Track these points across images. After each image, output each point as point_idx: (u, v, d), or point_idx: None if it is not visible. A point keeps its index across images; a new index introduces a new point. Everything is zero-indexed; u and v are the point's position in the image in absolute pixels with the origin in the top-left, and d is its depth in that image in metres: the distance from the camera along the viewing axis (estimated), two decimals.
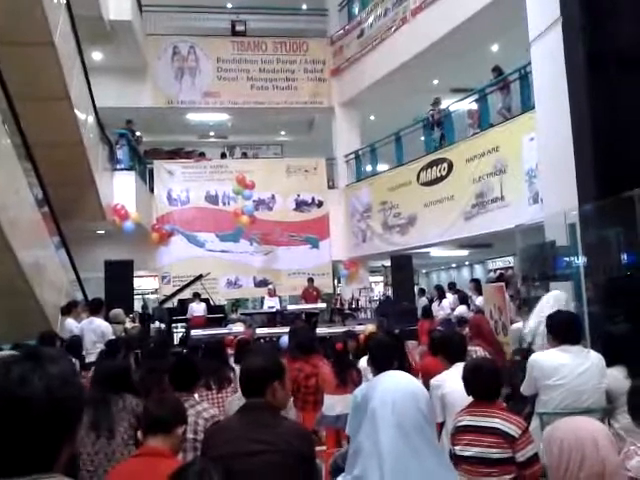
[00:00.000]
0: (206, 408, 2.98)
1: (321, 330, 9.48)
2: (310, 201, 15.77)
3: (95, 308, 7.67)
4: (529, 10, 7.58)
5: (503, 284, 6.77)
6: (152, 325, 11.78)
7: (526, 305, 6.99)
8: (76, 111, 9.22)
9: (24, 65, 7.54)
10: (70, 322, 7.57)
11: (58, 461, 1.14)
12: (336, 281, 16.86)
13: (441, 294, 11.70)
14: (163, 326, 11.38)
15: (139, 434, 2.41)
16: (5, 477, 1.09)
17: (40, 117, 7.99)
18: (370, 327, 9.73)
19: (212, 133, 18.99)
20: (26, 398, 1.09)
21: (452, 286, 12.59)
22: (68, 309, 7.86)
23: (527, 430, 2.81)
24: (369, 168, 15.48)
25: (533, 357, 3.62)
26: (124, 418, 2.99)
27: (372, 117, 16.41)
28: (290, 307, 12.84)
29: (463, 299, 10.60)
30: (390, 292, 14.07)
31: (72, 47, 9.41)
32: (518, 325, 6.15)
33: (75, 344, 6.00)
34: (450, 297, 11.40)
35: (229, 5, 16.65)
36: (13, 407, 1.08)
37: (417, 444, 2.34)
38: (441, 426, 3.44)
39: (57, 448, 1.13)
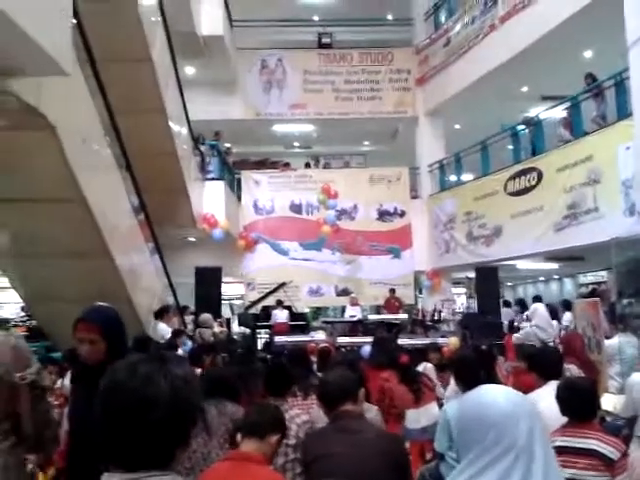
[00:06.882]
0: (298, 414, 3.05)
1: (403, 341, 9.39)
2: (392, 211, 15.70)
3: (158, 313, 8.11)
4: (627, 14, 7.24)
5: (598, 299, 6.48)
6: (235, 330, 12.09)
7: (622, 322, 6.66)
8: (171, 123, 9.66)
9: (123, 79, 7.96)
10: (162, 326, 7.90)
11: (174, 460, 1.18)
12: (417, 292, 16.66)
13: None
14: (248, 331, 11.63)
15: (238, 436, 2.49)
16: (126, 471, 1.14)
17: (138, 129, 8.39)
18: (453, 340, 9.55)
19: (297, 143, 19.30)
20: (153, 397, 1.13)
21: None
22: (160, 313, 8.20)
23: (626, 453, 2.68)
24: (453, 178, 15.24)
25: (632, 377, 3.45)
26: (222, 422, 3.11)
27: (457, 126, 16.15)
28: (371, 317, 12.81)
29: (553, 314, 10.23)
30: (473, 304, 13.77)
31: (167, 62, 9.87)
32: (612, 342, 5.87)
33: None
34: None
35: (316, 18, 16.93)
36: (140, 405, 1.12)
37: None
38: None
39: (174, 446, 1.17)
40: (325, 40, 16.21)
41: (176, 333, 7.83)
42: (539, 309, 8.69)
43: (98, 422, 1.16)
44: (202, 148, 13.14)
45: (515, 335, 8.99)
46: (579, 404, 2.81)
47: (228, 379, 3.52)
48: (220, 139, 14.56)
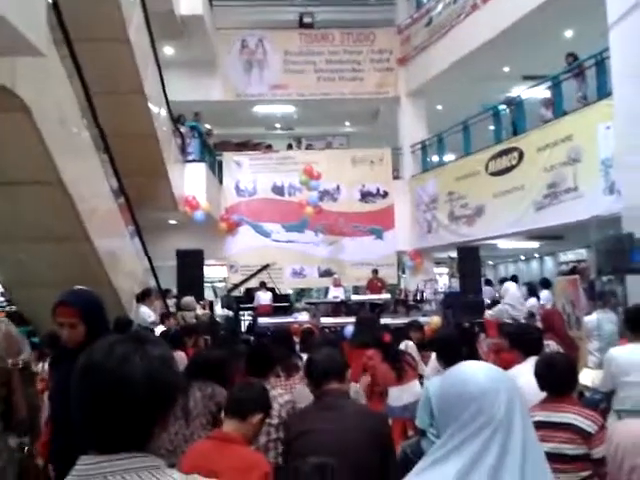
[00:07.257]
0: (281, 394, 3.06)
1: (385, 321, 9.46)
2: (375, 192, 15.71)
3: (140, 296, 8.11)
4: None
5: (577, 277, 6.57)
6: (219, 312, 12.09)
7: (600, 299, 6.77)
8: (150, 104, 9.53)
9: (101, 60, 7.84)
10: (144, 310, 7.87)
11: (150, 442, 1.16)
12: (400, 272, 16.75)
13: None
14: (231, 314, 11.63)
15: (222, 415, 2.51)
16: (101, 452, 1.12)
17: (116, 110, 8.29)
18: (435, 319, 9.66)
19: (279, 125, 19.17)
20: (127, 377, 1.12)
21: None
22: (142, 297, 8.16)
23: (604, 426, 2.73)
24: (435, 158, 15.27)
25: (610, 352, 3.51)
26: (205, 404, 3.11)
27: (439, 107, 16.14)
28: (354, 297, 12.88)
29: (532, 292, 10.36)
30: (456, 284, 13.89)
31: (146, 42, 9.72)
32: (591, 318, 5.97)
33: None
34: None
35: None
36: (114, 385, 1.11)
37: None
38: None
39: (150, 428, 1.16)
40: (306, 20, 16.03)
41: (165, 315, 7.85)
42: (510, 289, 9.06)
43: (74, 403, 1.15)
44: (182, 129, 13.00)
45: (488, 312, 9.26)
46: (557, 379, 2.84)
47: (214, 361, 3.52)
48: (200, 120, 14.42)
